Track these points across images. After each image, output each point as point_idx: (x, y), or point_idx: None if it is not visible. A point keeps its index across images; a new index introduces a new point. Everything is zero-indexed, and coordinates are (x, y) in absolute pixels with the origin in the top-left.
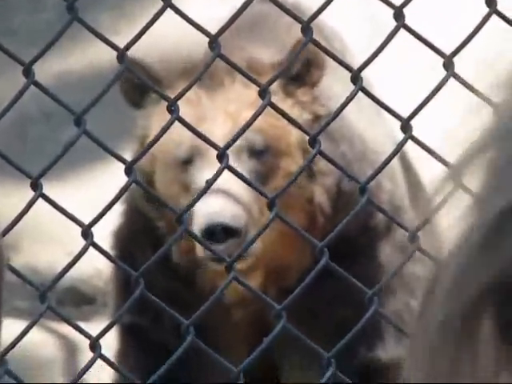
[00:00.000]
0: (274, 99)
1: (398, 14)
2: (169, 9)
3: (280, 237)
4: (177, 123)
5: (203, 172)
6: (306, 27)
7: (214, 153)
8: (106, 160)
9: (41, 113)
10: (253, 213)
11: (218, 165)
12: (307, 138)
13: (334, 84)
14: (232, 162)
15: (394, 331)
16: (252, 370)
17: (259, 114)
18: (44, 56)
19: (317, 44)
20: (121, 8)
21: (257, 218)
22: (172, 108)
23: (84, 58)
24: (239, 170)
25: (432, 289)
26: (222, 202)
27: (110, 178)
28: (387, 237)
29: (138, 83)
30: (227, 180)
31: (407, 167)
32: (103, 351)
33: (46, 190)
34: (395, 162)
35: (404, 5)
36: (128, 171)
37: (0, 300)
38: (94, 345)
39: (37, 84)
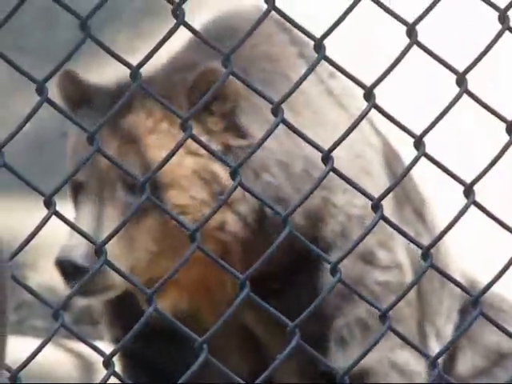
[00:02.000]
0: (172, 128)
1: (411, 31)
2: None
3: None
4: None
5: (80, 205)
6: (319, 44)
7: (94, 185)
8: None
9: (57, 131)
10: (118, 248)
11: (94, 197)
12: (209, 167)
13: (252, 120)
14: (107, 196)
15: (359, 340)
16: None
17: (180, 146)
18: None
19: (329, 61)
20: (137, 27)
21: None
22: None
23: (101, 76)
24: (114, 203)
25: None
26: (75, 236)
27: None
28: (344, 247)
29: (67, 95)
30: (86, 213)
31: (397, 164)
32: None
33: (63, 209)
34: (375, 167)
35: (416, 22)
36: (141, 189)
37: (4, 316)
38: (108, 362)
39: (50, 102)
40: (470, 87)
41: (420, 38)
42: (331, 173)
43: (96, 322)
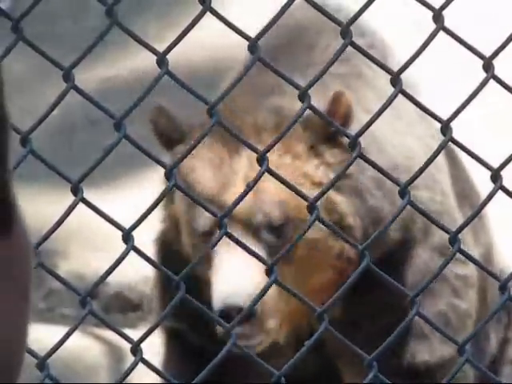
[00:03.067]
0: (296, 161)
1: (438, 17)
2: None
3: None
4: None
5: (222, 247)
6: (346, 30)
7: (238, 228)
8: (149, 166)
9: (86, 120)
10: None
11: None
12: (334, 197)
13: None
14: (251, 238)
15: (440, 334)
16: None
17: (257, 181)
18: (91, 63)
19: (356, 47)
20: (167, 16)
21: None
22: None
23: (130, 64)
24: (257, 247)
25: None
26: (238, 280)
27: (153, 183)
28: (425, 242)
29: (165, 128)
30: (242, 256)
31: (455, 164)
32: (154, 357)
33: (92, 197)
34: (441, 162)
35: (443, 7)
36: (168, 175)
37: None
38: (136, 349)
39: (77, 89)
40: (497, 72)
41: (447, 24)
42: (414, 169)
43: (126, 310)
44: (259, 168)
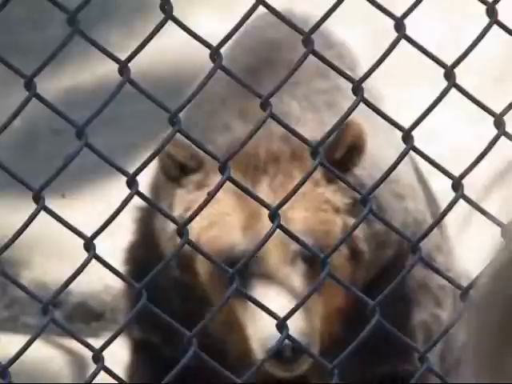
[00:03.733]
0: (317, 189)
1: (399, 25)
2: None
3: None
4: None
5: (258, 284)
6: (307, 38)
7: (271, 261)
8: (113, 175)
9: (50, 130)
10: (316, 316)
11: (274, 272)
12: (349, 221)
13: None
14: (288, 269)
15: (421, 344)
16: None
17: (271, 235)
18: (54, 72)
19: (319, 56)
20: (131, 26)
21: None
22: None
23: (94, 74)
24: (294, 276)
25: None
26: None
27: (118, 193)
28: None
29: (180, 161)
30: (288, 290)
31: (421, 179)
32: (115, 366)
33: (56, 206)
34: (411, 175)
35: (405, 16)
36: (130, 183)
37: None
38: (98, 357)
39: (39, 97)
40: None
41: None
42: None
43: (88, 319)
44: (282, 196)
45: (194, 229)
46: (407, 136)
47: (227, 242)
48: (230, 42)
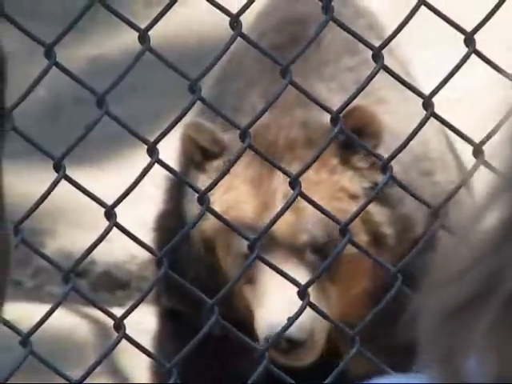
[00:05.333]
0: (333, 176)
1: None
2: None
3: (345, 299)
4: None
5: (266, 271)
6: (377, 54)
7: (281, 249)
8: (137, 145)
9: (73, 99)
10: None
11: (282, 262)
12: (369, 207)
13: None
14: (295, 260)
15: None
16: None
17: (291, 204)
18: (78, 42)
19: (389, 71)
20: None
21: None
22: None
23: (118, 43)
24: (302, 267)
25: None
26: (286, 308)
27: (142, 162)
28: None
29: (201, 145)
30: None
31: (452, 149)
32: (142, 335)
33: (79, 175)
34: (442, 146)
35: None
36: (151, 151)
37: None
38: (119, 325)
39: (59, 66)
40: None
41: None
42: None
43: (113, 288)
44: (302, 186)
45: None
46: (428, 103)
47: (241, 226)
48: (261, 14)
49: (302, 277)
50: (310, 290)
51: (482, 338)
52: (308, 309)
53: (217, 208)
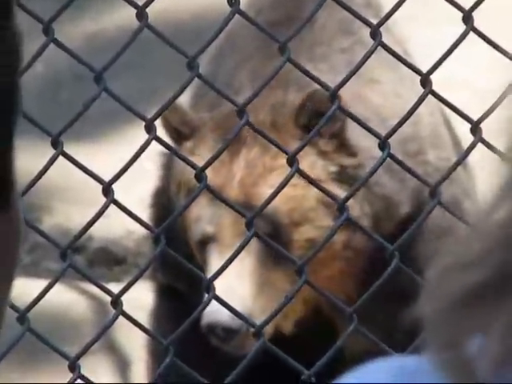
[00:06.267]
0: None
1: None
2: None
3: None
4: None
5: (213, 260)
6: (375, 31)
7: (227, 239)
8: (134, 122)
9: (72, 75)
10: (261, 299)
11: (230, 251)
12: (335, 191)
13: (361, 135)
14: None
15: None
16: None
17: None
18: (76, 18)
19: (387, 48)
20: None
21: (266, 301)
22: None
23: (117, 20)
24: (248, 259)
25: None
26: (224, 295)
27: (140, 139)
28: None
29: (174, 126)
30: (233, 268)
31: (448, 126)
32: (139, 311)
33: (78, 152)
34: (437, 123)
35: None
36: (148, 128)
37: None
38: (116, 302)
39: (57, 42)
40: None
41: None
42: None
43: (110, 264)
44: (254, 170)
45: None
46: (425, 80)
47: (192, 219)
48: None
49: (251, 261)
50: (251, 275)
51: (490, 325)
52: (246, 296)
53: None
